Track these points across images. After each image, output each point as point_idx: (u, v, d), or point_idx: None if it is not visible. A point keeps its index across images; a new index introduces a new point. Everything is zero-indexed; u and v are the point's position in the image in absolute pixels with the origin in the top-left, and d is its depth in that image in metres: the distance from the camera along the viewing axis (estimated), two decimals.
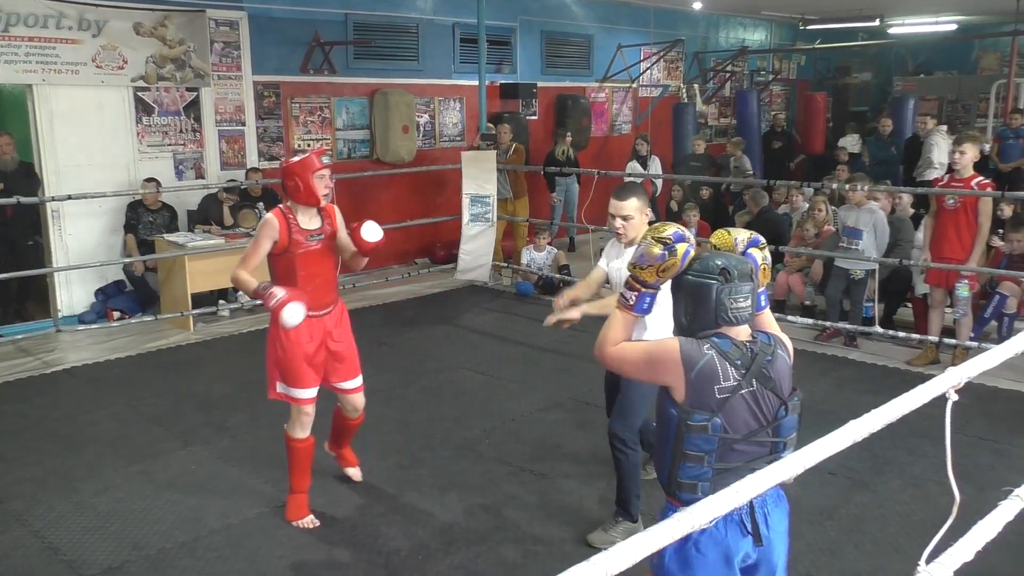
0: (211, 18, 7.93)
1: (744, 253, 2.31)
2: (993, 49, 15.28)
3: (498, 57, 10.47)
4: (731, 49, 13.47)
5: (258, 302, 3.75)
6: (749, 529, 2.19)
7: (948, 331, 6.26)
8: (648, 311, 2.30)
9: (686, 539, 2.06)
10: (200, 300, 7.22)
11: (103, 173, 7.39)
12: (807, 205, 7.91)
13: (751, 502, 2.18)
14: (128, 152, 7.62)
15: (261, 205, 7.73)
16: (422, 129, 9.81)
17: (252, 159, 8.39)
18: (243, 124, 8.36)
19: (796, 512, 2.38)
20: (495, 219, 8.43)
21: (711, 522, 1.55)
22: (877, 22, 13.06)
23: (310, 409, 3.82)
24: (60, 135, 7.18)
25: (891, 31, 14.58)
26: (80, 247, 7.35)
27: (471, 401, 5.51)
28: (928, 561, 1.75)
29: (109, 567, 3.56)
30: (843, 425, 1.77)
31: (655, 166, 10.29)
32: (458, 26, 9.91)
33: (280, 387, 3.79)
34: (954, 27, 14.27)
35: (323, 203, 3.72)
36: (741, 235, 2.35)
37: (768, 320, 2.37)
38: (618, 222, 3.49)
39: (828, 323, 6.62)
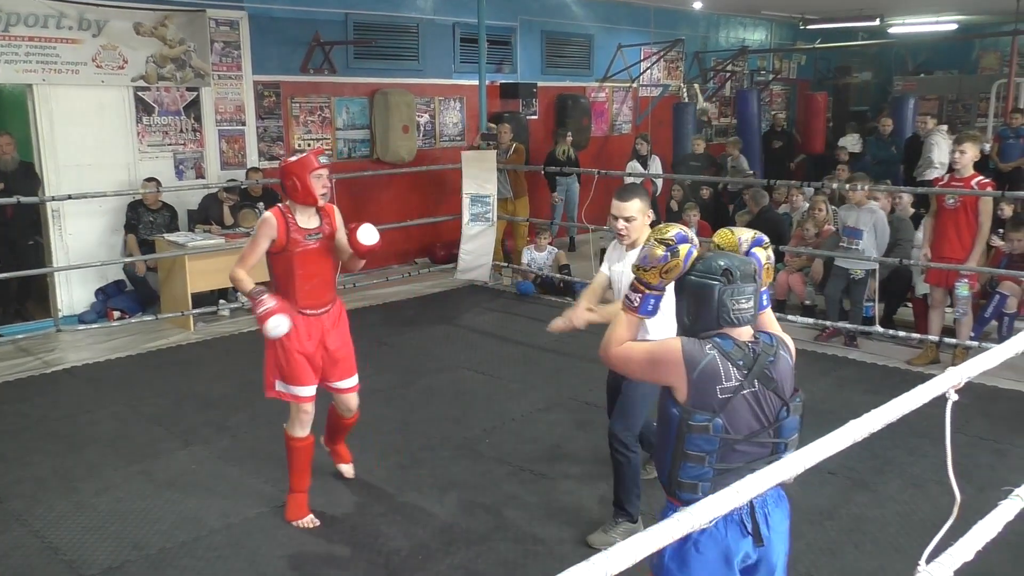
0: (211, 18, 7.93)
1: (748, 253, 2.30)
2: (993, 49, 15.27)
3: (498, 57, 10.47)
4: (731, 49, 13.46)
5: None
6: (749, 529, 2.19)
7: (948, 331, 6.26)
8: (653, 313, 2.29)
9: (685, 539, 2.05)
10: (200, 300, 7.22)
11: (103, 173, 7.39)
12: (807, 205, 7.91)
13: (751, 502, 2.18)
14: (128, 152, 7.62)
15: (261, 205, 7.72)
16: (422, 129, 9.81)
17: (252, 159, 8.39)
18: (243, 124, 8.36)
19: (796, 512, 2.38)
20: (495, 219, 8.42)
21: (711, 522, 1.55)
22: (877, 22, 13.06)
23: (309, 407, 3.83)
24: (60, 135, 7.18)
25: (891, 31, 14.57)
26: (80, 247, 7.35)
27: (471, 401, 5.51)
28: (928, 561, 1.75)
29: (109, 567, 3.56)
30: (843, 425, 1.77)
31: (655, 166, 10.29)
32: (458, 26, 9.91)
33: (279, 385, 3.79)
34: (954, 27, 14.27)
35: (321, 202, 3.72)
36: (745, 235, 2.34)
37: (770, 320, 2.37)
38: (620, 223, 3.46)
39: (828, 323, 6.62)
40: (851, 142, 11.86)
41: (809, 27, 14.20)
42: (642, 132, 11.35)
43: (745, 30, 14.26)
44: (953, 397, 1.94)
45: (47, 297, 7.33)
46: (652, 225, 3.50)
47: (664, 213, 9.16)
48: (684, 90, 12.07)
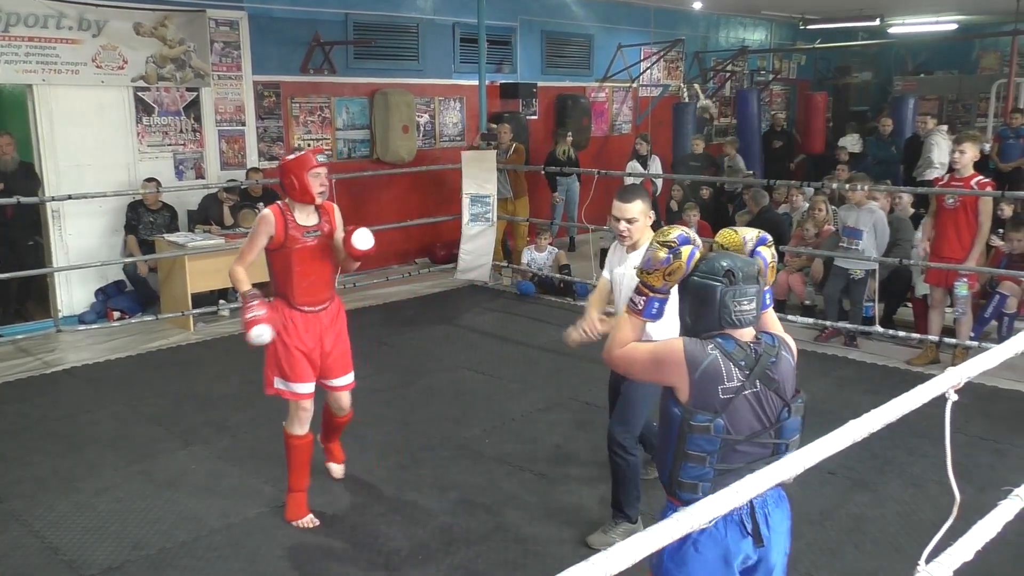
0: (211, 18, 7.93)
1: (753, 252, 2.29)
2: (993, 49, 15.27)
3: (498, 57, 10.47)
4: (731, 49, 13.46)
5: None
6: (749, 530, 2.19)
7: (948, 331, 6.26)
8: (658, 316, 2.29)
9: (685, 539, 2.05)
10: (200, 300, 7.23)
11: (103, 173, 7.39)
12: (807, 205, 7.91)
13: (751, 502, 2.18)
14: (128, 152, 7.62)
15: (261, 205, 7.72)
16: (422, 129, 9.82)
17: (252, 159, 8.39)
18: (243, 124, 8.36)
19: (796, 512, 2.38)
20: (495, 219, 8.43)
21: (710, 522, 1.55)
22: (877, 22, 13.06)
23: (308, 404, 3.84)
24: (60, 135, 7.18)
25: (891, 31, 14.57)
26: (80, 247, 7.35)
27: (471, 401, 5.51)
28: (928, 561, 1.75)
29: (109, 567, 3.56)
30: (843, 425, 1.77)
31: (655, 166, 10.29)
32: (458, 26, 9.92)
33: (278, 383, 3.80)
34: (954, 27, 14.27)
35: (318, 201, 3.74)
36: (749, 234, 2.33)
37: (771, 320, 2.36)
38: (622, 225, 3.44)
39: (828, 323, 6.62)
40: (851, 142, 11.86)
41: (809, 27, 14.20)
42: (642, 132, 11.35)
43: (745, 30, 14.27)
44: (953, 397, 1.94)
45: (47, 297, 7.33)
46: (653, 226, 3.51)
47: (664, 213, 9.16)
48: (684, 90, 12.07)
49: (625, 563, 1.32)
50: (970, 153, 5.92)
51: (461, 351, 6.61)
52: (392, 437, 4.90)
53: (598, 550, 1.34)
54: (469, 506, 4.07)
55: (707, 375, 2.15)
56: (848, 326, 6.58)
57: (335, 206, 3.94)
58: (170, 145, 7.89)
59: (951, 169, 6.34)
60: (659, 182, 10.10)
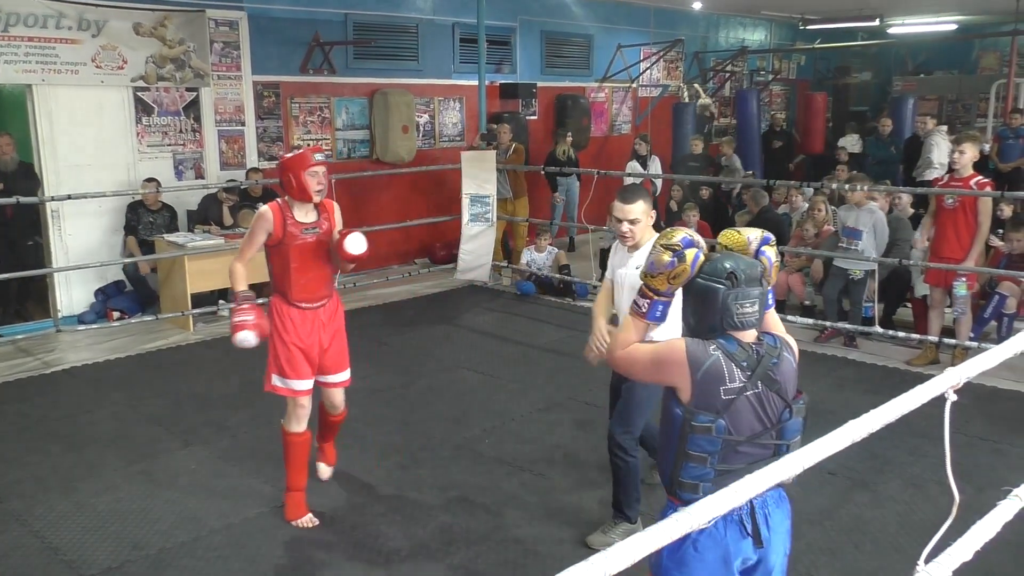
0: (211, 18, 7.93)
1: (758, 252, 2.28)
2: (993, 49, 15.28)
3: (498, 57, 10.47)
4: (731, 49, 13.47)
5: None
6: (749, 530, 2.19)
7: (948, 331, 6.26)
8: (662, 319, 2.29)
9: (684, 538, 2.05)
10: (200, 300, 7.22)
11: (103, 173, 7.39)
12: (807, 205, 7.91)
13: (751, 503, 2.18)
14: (128, 152, 7.62)
15: (260, 205, 7.71)
16: (422, 129, 9.82)
17: (252, 159, 8.39)
18: (243, 124, 8.36)
19: (796, 512, 2.39)
20: (495, 219, 8.43)
21: (709, 522, 1.55)
22: (877, 22, 13.06)
23: (305, 401, 3.84)
24: (60, 135, 7.18)
25: (891, 31, 14.58)
26: (80, 247, 7.35)
27: (471, 401, 5.52)
28: (927, 561, 1.76)
29: (109, 567, 3.56)
30: (843, 425, 1.77)
31: (655, 166, 10.28)
32: (458, 26, 9.92)
33: (276, 379, 3.82)
34: (954, 27, 14.28)
35: (316, 199, 3.75)
36: (753, 234, 2.31)
37: (773, 320, 2.36)
38: (624, 226, 3.42)
39: (828, 323, 6.62)
40: (851, 142, 11.87)
41: (809, 27, 14.21)
42: (642, 132, 11.35)
43: (745, 30, 14.27)
44: (952, 397, 1.95)
45: (47, 297, 7.33)
46: (654, 226, 3.51)
47: (664, 213, 9.16)
48: (684, 90, 12.08)
49: (624, 563, 1.32)
50: (970, 153, 5.92)
51: (461, 351, 6.61)
52: (392, 437, 4.90)
53: (597, 550, 1.34)
54: (469, 506, 4.08)
55: (709, 376, 2.15)
56: (848, 326, 6.59)
57: (335, 204, 3.95)
58: (170, 145, 7.89)
59: (951, 169, 6.35)
60: (659, 182, 10.10)
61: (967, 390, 2.03)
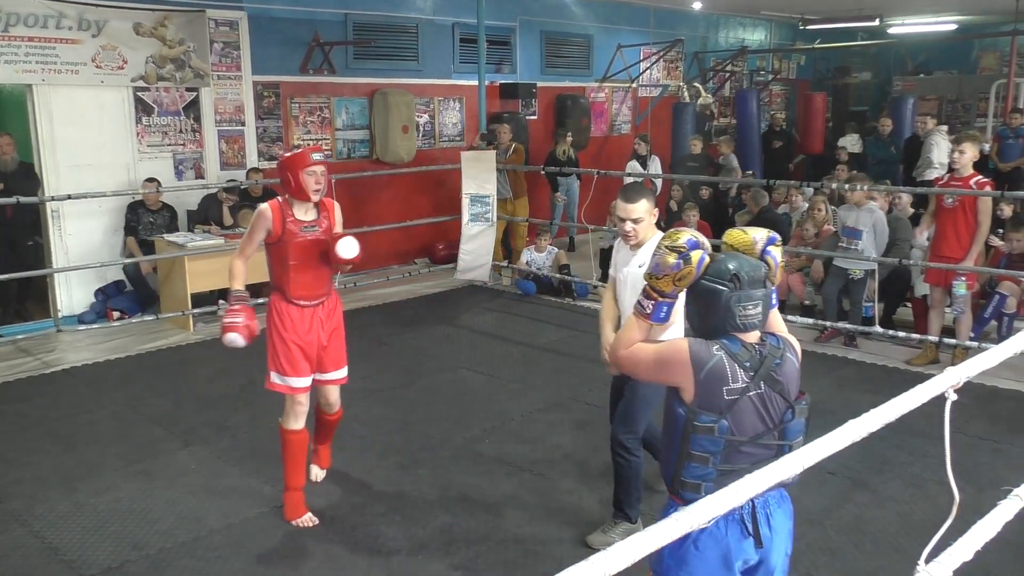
0: (211, 18, 7.93)
1: (764, 252, 2.27)
2: (993, 49, 15.28)
3: (498, 57, 10.47)
4: (731, 49, 13.47)
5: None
6: (750, 530, 2.19)
7: (948, 331, 6.26)
8: (666, 320, 2.29)
9: (685, 536, 2.06)
10: (200, 300, 7.23)
11: (103, 173, 7.39)
12: (807, 205, 7.91)
13: (753, 502, 2.18)
14: (128, 152, 7.62)
15: (261, 205, 7.72)
16: (422, 129, 9.82)
17: (252, 159, 8.39)
18: (243, 124, 8.36)
19: (796, 512, 2.39)
20: (495, 219, 8.43)
21: (709, 522, 1.55)
22: (877, 22, 13.06)
23: (303, 399, 3.86)
24: (60, 135, 7.18)
25: (891, 31, 14.58)
26: (80, 247, 7.35)
27: (471, 401, 5.51)
28: (928, 561, 1.76)
29: (109, 567, 3.56)
30: (843, 425, 1.77)
31: (655, 166, 10.29)
32: (458, 26, 9.92)
33: (274, 377, 3.83)
34: (954, 27, 14.28)
35: (313, 199, 3.77)
36: (759, 234, 2.30)
37: (776, 321, 2.36)
38: (628, 225, 3.41)
39: (828, 323, 6.62)
40: (851, 142, 11.87)
41: (809, 27, 14.20)
42: (641, 132, 11.36)
43: (745, 30, 14.27)
44: (952, 397, 1.95)
45: (47, 297, 7.33)
46: (656, 225, 3.50)
47: (664, 213, 9.15)
48: (684, 90, 12.08)
49: (624, 563, 1.32)
50: (969, 153, 5.92)
51: (461, 351, 6.61)
52: (392, 437, 4.90)
53: (598, 550, 1.34)
54: (469, 506, 4.08)
55: (712, 376, 2.16)
56: (848, 326, 6.59)
57: (335, 203, 3.97)
58: (170, 145, 7.89)
59: (951, 169, 6.35)
60: (658, 182, 10.10)
61: (967, 390, 2.03)
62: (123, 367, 6.24)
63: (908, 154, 10.69)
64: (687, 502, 2.02)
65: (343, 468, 4.43)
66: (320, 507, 4.00)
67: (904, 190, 7.37)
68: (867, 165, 10.60)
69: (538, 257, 8.60)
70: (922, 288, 6.48)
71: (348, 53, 8.98)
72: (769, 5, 12.81)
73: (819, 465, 1.74)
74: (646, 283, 2.27)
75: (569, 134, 10.13)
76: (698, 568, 2.19)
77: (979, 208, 5.87)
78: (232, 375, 5.91)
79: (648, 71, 12.30)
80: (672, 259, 2.19)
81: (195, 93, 7.97)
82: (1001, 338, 5.96)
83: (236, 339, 3.67)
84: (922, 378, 2.05)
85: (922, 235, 6.39)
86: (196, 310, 7.09)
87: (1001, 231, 6.81)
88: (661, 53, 12.09)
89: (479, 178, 8.35)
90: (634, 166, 9.91)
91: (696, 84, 12.25)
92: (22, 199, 6.55)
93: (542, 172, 9.55)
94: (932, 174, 9.39)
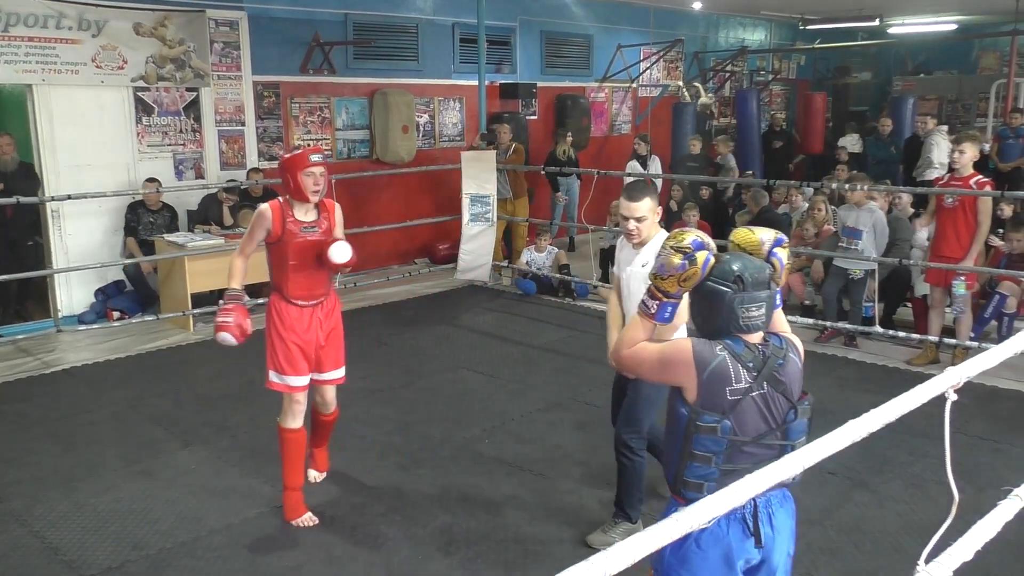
0: (211, 18, 7.93)
1: (770, 253, 2.27)
2: (993, 49, 15.28)
3: (498, 57, 10.47)
4: (731, 49, 13.47)
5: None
6: (752, 529, 2.20)
7: (948, 331, 6.26)
8: (670, 320, 2.29)
9: (687, 535, 2.06)
10: (200, 300, 7.22)
11: (103, 173, 7.39)
12: (807, 205, 7.91)
13: (755, 502, 2.18)
14: (128, 152, 7.62)
15: (261, 205, 7.72)
16: (422, 129, 9.82)
17: (252, 159, 8.39)
18: (243, 124, 8.36)
19: (797, 512, 2.38)
20: (495, 219, 8.43)
21: (709, 522, 1.55)
22: (877, 22, 13.06)
23: (301, 397, 3.86)
24: (60, 135, 7.18)
25: (891, 31, 14.58)
26: (80, 247, 7.35)
27: (471, 401, 5.51)
28: (928, 561, 1.75)
29: (109, 567, 3.56)
30: (843, 425, 1.77)
31: (655, 166, 10.29)
32: (458, 26, 9.92)
33: (273, 376, 3.84)
34: (954, 27, 14.27)
35: (312, 200, 3.78)
36: (767, 235, 2.30)
37: (780, 320, 2.36)
38: (631, 224, 3.40)
39: (828, 323, 6.62)
40: (851, 142, 11.87)
41: (809, 27, 14.21)
42: (641, 132, 11.36)
43: (745, 30, 14.27)
44: (952, 397, 1.94)
45: (47, 297, 7.32)
46: (660, 223, 3.50)
47: (664, 213, 9.13)
48: (684, 90, 12.07)
49: (624, 563, 1.32)
50: (969, 153, 5.92)
51: (461, 351, 6.60)
52: (392, 437, 4.90)
53: (598, 550, 1.34)
54: (469, 506, 4.08)
55: (715, 376, 2.16)
56: (848, 326, 6.59)
57: (336, 205, 3.97)
58: (170, 145, 7.89)
59: (951, 169, 6.35)
60: (659, 182, 10.08)
61: (967, 390, 2.03)
62: (123, 367, 6.24)
63: (908, 154, 10.69)
64: (689, 502, 2.02)
65: (343, 468, 4.43)
66: (320, 507, 4.00)
67: (904, 190, 7.37)
68: (867, 165, 10.60)
69: (538, 257, 8.60)
70: (922, 288, 6.48)
71: (348, 53, 8.98)
72: (769, 5, 12.81)
73: (819, 465, 1.74)
74: (651, 283, 2.27)
75: (569, 134, 10.13)
76: (700, 567, 2.19)
77: (979, 208, 5.87)
78: (232, 375, 5.91)
79: (648, 71, 12.30)
80: (677, 260, 2.19)
81: (195, 93, 7.97)
82: (1001, 338, 5.96)
83: (227, 338, 3.69)
84: (922, 378, 2.05)
85: (922, 230, 6.38)
86: (196, 310, 7.08)
87: (1001, 231, 6.81)
88: (661, 53, 12.09)
89: (479, 178, 8.35)
90: (634, 166, 9.91)
91: (696, 84, 12.24)
92: (22, 199, 6.55)
93: (542, 172, 9.55)
94: (932, 174, 9.39)
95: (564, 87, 11.37)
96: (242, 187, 7.80)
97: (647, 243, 3.42)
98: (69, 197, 6.63)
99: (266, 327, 3.87)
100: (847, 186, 6.66)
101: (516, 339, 6.92)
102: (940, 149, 9.79)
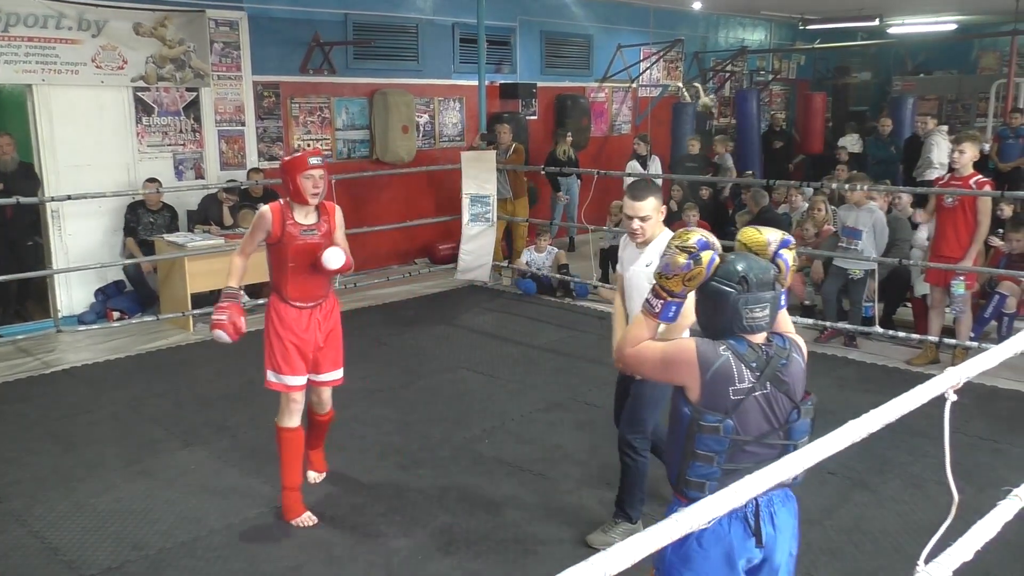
0: (211, 18, 7.93)
1: (776, 254, 2.27)
2: (993, 49, 15.28)
3: (498, 57, 10.47)
4: (731, 49, 13.47)
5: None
6: (753, 529, 2.20)
7: (948, 331, 6.26)
8: (674, 319, 2.30)
9: (688, 534, 2.06)
10: (200, 300, 7.22)
11: (103, 173, 7.39)
12: (807, 205, 7.91)
13: (756, 501, 2.18)
14: (128, 152, 7.62)
15: (260, 206, 7.71)
16: (422, 129, 9.82)
17: (252, 159, 8.39)
18: (243, 124, 8.36)
19: (798, 512, 2.39)
20: (495, 219, 8.43)
21: (710, 522, 1.55)
22: (877, 22, 13.07)
23: (299, 397, 3.87)
24: (60, 135, 7.18)
25: (891, 31, 14.58)
26: (80, 247, 7.35)
27: (471, 401, 5.51)
28: (927, 561, 1.75)
29: (109, 567, 3.56)
30: (843, 425, 1.77)
31: (655, 166, 10.29)
32: (458, 26, 9.92)
33: (271, 375, 3.84)
34: (954, 27, 14.27)
35: (312, 202, 3.79)
36: (773, 235, 2.29)
37: (784, 320, 2.36)
38: (636, 223, 3.39)
39: (828, 323, 6.62)
40: (851, 142, 11.88)
41: (808, 27, 14.21)
42: (641, 132, 11.36)
43: (744, 30, 14.27)
44: (952, 397, 1.94)
45: (47, 297, 7.32)
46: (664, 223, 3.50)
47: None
48: (683, 90, 12.07)
49: (625, 563, 1.32)
50: (969, 153, 5.92)
51: (461, 351, 6.61)
52: (392, 437, 4.90)
53: (598, 550, 1.34)
54: (469, 506, 4.08)
55: (718, 376, 2.16)
56: (848, 326, 6.59)
57: (337, 207, 3.98)
58: (170, 145, 7.89)
59: (950, 169, 6.35)
60: (658, 182, 10.07)
61: (967, 390, 2.03)
62: (123, 367, 6.24)
63: (908, 154, 10.69)
64: (691, 501, 2.03)
65: (342, 468, 4.43)
66: (320, 507, 4.00)
67: (904, 190, 7.37)
68: (867, 165, 10.60)
69: (538, 257, 8.60)
70: (922, 288, 6.48)
71: (348, 53, 8.98)
72: (769, 5, 12.81)
73: (819, 465, 1.74)
74: (655, 282, 2.27)
75: (569, 134, 10.13)
76: (701, 566, 2.20)
77: (979, 208, 5.87)
78: (232, 375, 5.91)
79: (648, 71, 12.30)
80: (682, 259, 2.19)
81: (195, 93, 7.96)
82: (1001, 338, 5.96)
83: (221, 335, 3.71)
84: (922, 378, 2.05)
85: (922, 230, 6.38)
86: (196, 310, 7.08)
87: (1001, 231, 6.81)
88: (661, 53, 12.09)
89: (479, 178, 8.35)
90: (634, 166, 9.91)
91: (696, 84, 12.24)
92: (22, 199, 6.55)
93: (542, 172, 9.55)
94: (932, 174, 9.39)
95: (564, 87, 11.37)
96: (242, 187, 7.80)
97: (651, 242, 3.42)
98: (69, 197, 6.64)
99: (265, 327, 3.88)
100: (847, 186, 6.66)
101: (516, 339, 6.92)
102: (940, 149, 9.79)
